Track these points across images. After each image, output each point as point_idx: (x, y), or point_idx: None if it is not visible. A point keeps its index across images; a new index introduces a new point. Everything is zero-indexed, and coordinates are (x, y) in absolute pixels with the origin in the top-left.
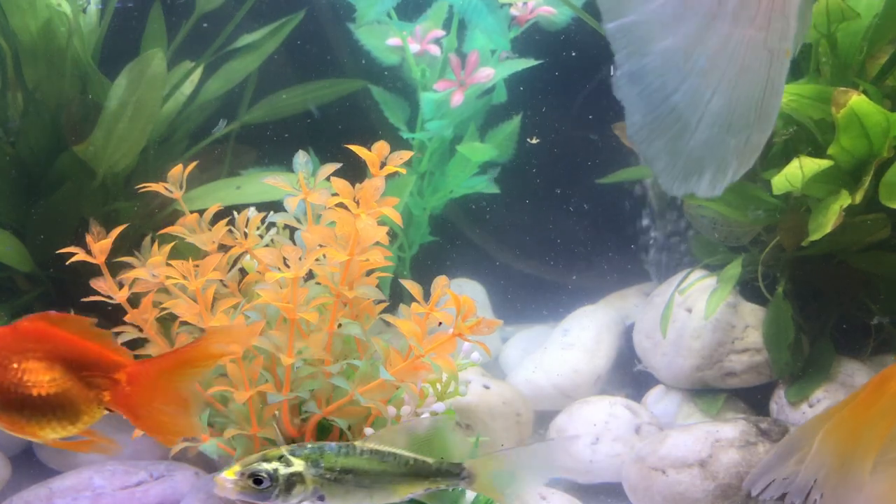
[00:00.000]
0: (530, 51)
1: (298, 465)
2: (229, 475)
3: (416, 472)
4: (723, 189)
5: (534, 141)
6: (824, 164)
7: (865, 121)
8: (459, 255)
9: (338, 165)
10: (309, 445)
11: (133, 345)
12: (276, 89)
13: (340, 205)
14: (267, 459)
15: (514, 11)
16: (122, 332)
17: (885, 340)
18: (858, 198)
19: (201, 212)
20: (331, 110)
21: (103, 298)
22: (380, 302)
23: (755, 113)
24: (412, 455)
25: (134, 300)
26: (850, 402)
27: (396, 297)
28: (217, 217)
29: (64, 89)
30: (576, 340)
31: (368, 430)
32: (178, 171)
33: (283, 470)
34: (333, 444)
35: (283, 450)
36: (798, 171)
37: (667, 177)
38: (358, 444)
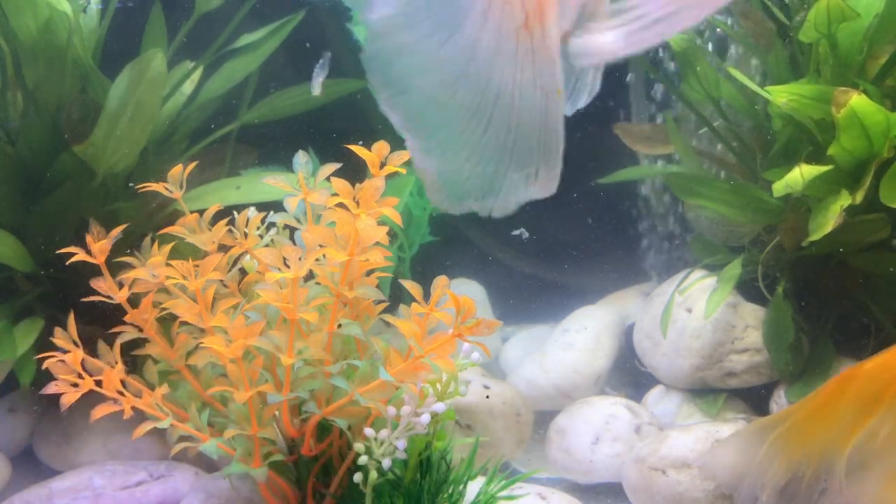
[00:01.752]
0: None
1: None
2: None
3: None
4: (508, 213)
5: None
6: (824, 169)
7: (866, 121)
8: (459, 255)
9: (338, 165)
10: None
11: (133, 345)
12: (276, 89)
13: (340, 205)
14: None
15: None
16: (123, 332)
17: (885, 340)
18: (859, 198)
19: (201, 212)
20: (331, 110)
21: (103, 298)
22: (380, 302)
23: (538, 149)
24: None
25: (134, 300)
26: (804, 407)
27: (396, 297)
28: (217, 217)
29: (64, 89)
30: (576, 340)
31: (369, 431)
32: (178, 171)
33: None
34: None
35: None
36: (798, 177)
37: (435, 195)
38: None
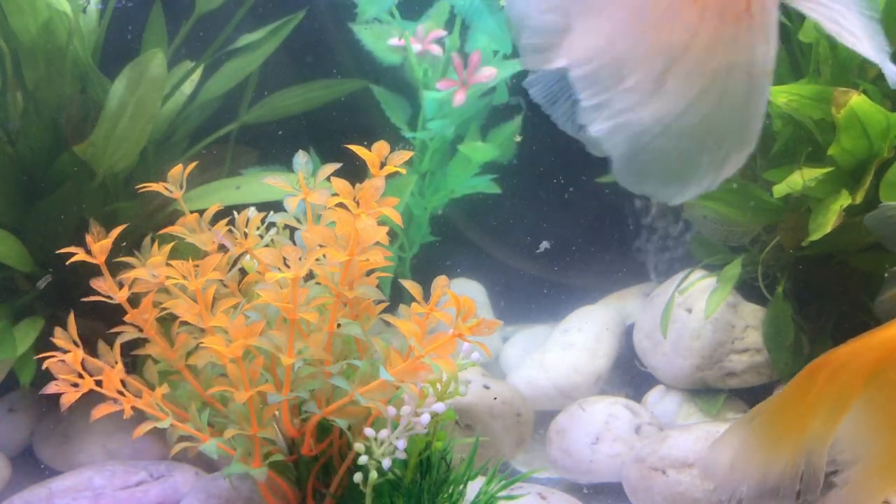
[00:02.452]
0: None
1: None
2: None
3: None
4: (690, 197)
5: (518, 139)
6: (824, 170)
7: (866, 121)
8: (459, 255)
9: (338, 165)
10: None
11: (133, 345)
12: (276, 89)
13: (340, 205)
14: None
15: None
16: (123, 332)
17: None
18: (859, 198)
19: (201, 212)
20: (331, 110)
21: (103, 298)
22: (380, 302)
23: (735, 132)
24: None
25: (134, 300)
26: (776, 400)
27: (396, 297)
28: (217, 217)
29: (64, 89)
30: (576, 340)
31: (369, 431)
32: (178, 171)
33: None
34: None
35: None
36: (799, 180)
37: (619, 172)
38: None
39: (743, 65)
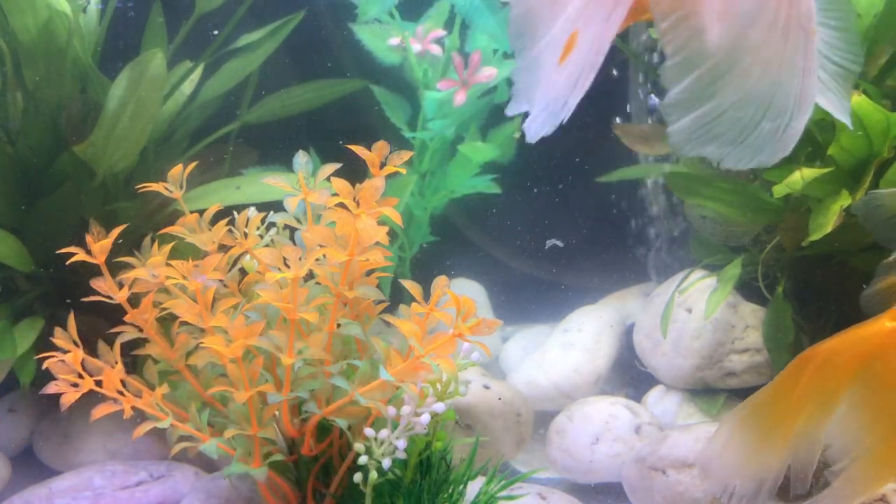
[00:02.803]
0: None
1: None
2: None
3: None
4: (743, 166)
5: (516, 136)
6: (824, 170)
7: (865, 121)
8: (459, 255)
9: (338, 165)
10: None
11: (133, 345)
12: (276, 89)
13: (341, 205)
14: None
15: None
16: (123, 332)
17: None
18: (859, 198)
19: (201, 212)
20: (331, 110)
21: (103, 298)
22: (380, 302)
23: (794, 98)
24: None
25: (134, 300)
26: (763, 394)
27: (396, 297)
28: (217, 217)
29: (64, 89)
30: (576, 340)
31: (369, 431)
32: (177, 171)
33: None
34: None
35: None
36: (799, 180)
37: (675, 136)
38: None
39: (797, 22)
